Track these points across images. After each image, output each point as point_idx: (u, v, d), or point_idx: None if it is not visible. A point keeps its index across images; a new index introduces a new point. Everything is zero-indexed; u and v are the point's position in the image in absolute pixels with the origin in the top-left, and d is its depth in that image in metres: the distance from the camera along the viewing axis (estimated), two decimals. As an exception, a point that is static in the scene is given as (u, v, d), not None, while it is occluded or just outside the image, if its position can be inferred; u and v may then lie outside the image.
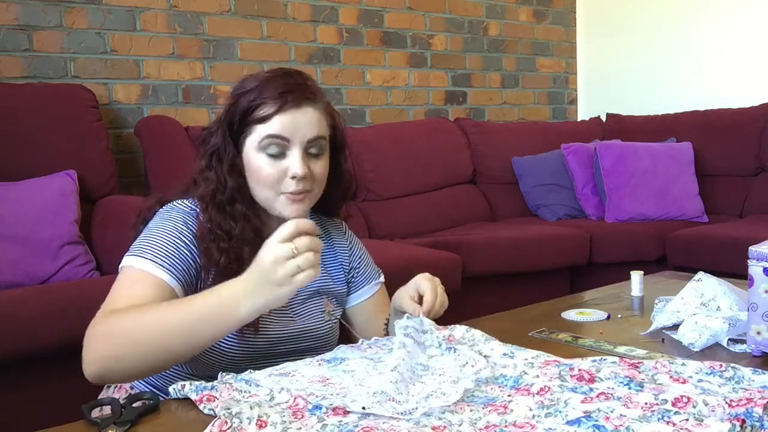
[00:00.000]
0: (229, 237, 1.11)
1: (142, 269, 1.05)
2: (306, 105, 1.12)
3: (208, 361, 1.10)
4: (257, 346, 1.13)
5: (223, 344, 1.10)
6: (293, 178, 1.10)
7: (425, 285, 1.14)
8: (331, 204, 1.28)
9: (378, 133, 3.34)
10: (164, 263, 1.06)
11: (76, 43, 2.67)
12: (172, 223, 1.11)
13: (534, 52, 4.26)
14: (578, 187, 3.46)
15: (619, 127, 3.87)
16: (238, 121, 1.13)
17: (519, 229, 3.14)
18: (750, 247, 0.99)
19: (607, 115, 4.04)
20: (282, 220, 1.16)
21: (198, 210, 1.14)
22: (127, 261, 1.07)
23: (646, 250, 3.05)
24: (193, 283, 1.10)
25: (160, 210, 1.15)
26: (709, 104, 3.68)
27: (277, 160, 1.11)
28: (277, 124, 1.10)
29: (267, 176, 1.11)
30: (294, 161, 1.10)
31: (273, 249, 0.92)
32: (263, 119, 1.11)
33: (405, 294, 1.15)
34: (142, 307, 0.99)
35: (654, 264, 2.87)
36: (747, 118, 3.47)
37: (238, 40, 3.08)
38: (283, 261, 0.91)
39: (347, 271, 1.31)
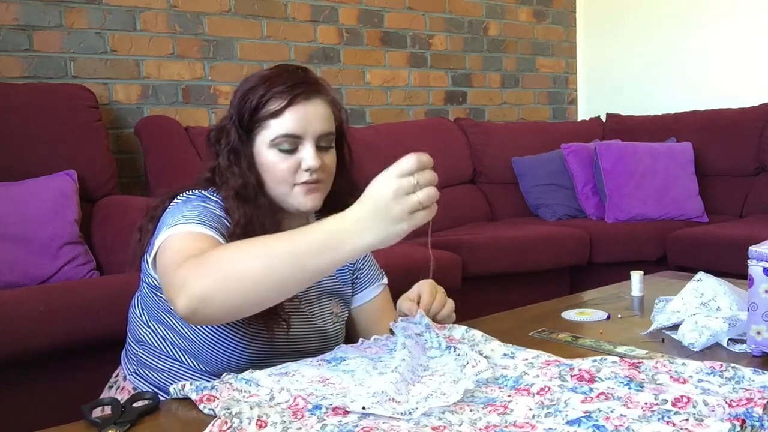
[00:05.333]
0: (262, 231, 1.10)
1: (192, 231, 1.03)
2: (315, 98, 1.14)
3: (223, 359, 1.10)
4: (276, 344, 1.13)
5: (241, 342, 1.10)
6: (307, 170, 1.12)
7: (423, 287, 1.16)
8: (338, 202, 1.29)
9: (378, 133, 3.34)
10: (209, 225, 1.05)
11: (76, 43, 2.67)
12: (199, 203, 1.11)
13: (534, 52, 4.26)
14: (578, 187, 3.46)
15: (619, 127, 3.87)
16: (248, 118, 1.14)
17: (519, 229, 3.14)
18: (750, 247, 0.99)
19: (607, 115, 4.04)
20: (296, 215, 1.18)
21: (214, 198, 1.14)
22: (170, 231, 1.04)
23: (646, 250, 3.05)
24: None
25: (176, 201, 1.14)
26: (709, 104, 3.68)
27: (289, 155, 1.13)
28: (289, 120, 1.12)
29: (282, 171, 1.13)
30: (308, 155, 1.12)
31: (392, 182, 0.85)
32: (275, 114, 1.12)
33: (404, 297, 1.17)
34: (239, 242, 0.95)
35: (654, 264, 2.87)
36: (747, 118, 3.47)
37: (238, 40, 3.08)
38: (404, 196, 0.85)
39: (352, 271, 1.32)
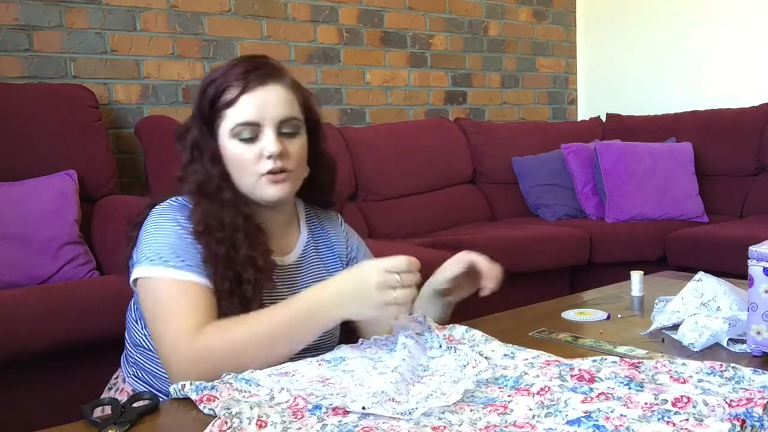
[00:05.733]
0: (223, 226, 1.09)
1: (174, 278, 1.04)
2: (271, 83, 1.12)
3: None
4: None
5: None
6: (269, 157, 1.10)
7: (475, 257, 1.17)
8: (321, 192, 1.28)
9: (378, 133, 3.34)
10: (188, 266, 1.05)
11: (76, 43, 2.67)
12: (170, 223, 1.10)
13: (534, 52, 4.26)
14: (578, 187, 3.46)
15: (619, 127, 3.87)
16: (208, 110, 1.13)
17: (519, 229, 3.14)
18: (750, 247, 0.99)
19: (607, 115, 4.04)
20: (272, 209, 1.16)
21: (189, 205, 1.12)
22: (148, 272, 1.05)
23: (646, 250, 3.05)
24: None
25: (152, 213, 1.13)
26: (709, 104, 3.68)
27: (251, 144, 1.11)
28: (244, 106, 1.10)
29: (245, 161, 1.11)
30: (268, 141, 1.10)
31: (381, 275, 0.97)
32: (231, 102, 1.11)
33: (454, 268, 1.18)
34: (232, 326, 1.01)
35: (654, 264, 2.86)
36: (747, 118, 3.47)
37: (238, 40, 3.08)
38: (385, 289, 0.97)
39: (345, 262, 1.30)
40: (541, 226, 3.28)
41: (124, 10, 2.77)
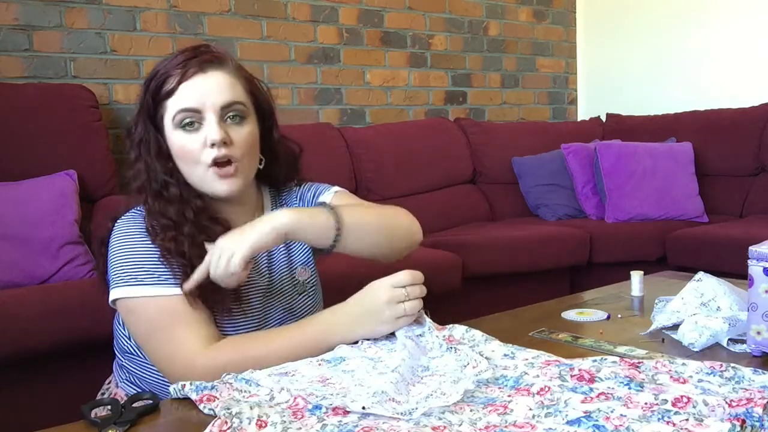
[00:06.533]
0: (172, 222, 1.08)
1: (153, 295, 1.04)
2: (210, 69, 1.09)
3: None
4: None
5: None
6: (212, 145, 1.07)
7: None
8: (278, 182, 1.26)
9: (378, 133, 3.34)
10: (162, 279, 1.05)
11: (76, 43, 2.67)
12: (132, 238, 1.09)
13: (534, 52, 4.26)
14: (578, 187, 3.46)
15: (619, 127, 3.87)
16: (152, 104, 1.10)
17: (519, 229, 3.14)
18: (750, 247, 0.99)
19: (607, 115, 4.04)
20: (223, 203, 1.14)
21: (142, 209, 1.11)
22: (125, 292, 1.05)
23: (646, 250, 3.05)
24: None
25: (114, 228, 1.12)
26: (709, 104, 3.68)
27: (194, 133, 1.08)
28: (183, 94, 1.07)
29: (189, 151, 1.08)
30: (210, 128, 1.07)
31: (388, 291, 1.01)
32: (170, 92, 1.08)
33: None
34: (247, 345, 1.03)
35: (654, 264, 2.86)
36: (747, 118, 3.47)
37: (238, 40, 3.08)
38: (395, 304, 1.01)
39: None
40: (541, 226, 3.28)
41: (124, 10, 2.77)
